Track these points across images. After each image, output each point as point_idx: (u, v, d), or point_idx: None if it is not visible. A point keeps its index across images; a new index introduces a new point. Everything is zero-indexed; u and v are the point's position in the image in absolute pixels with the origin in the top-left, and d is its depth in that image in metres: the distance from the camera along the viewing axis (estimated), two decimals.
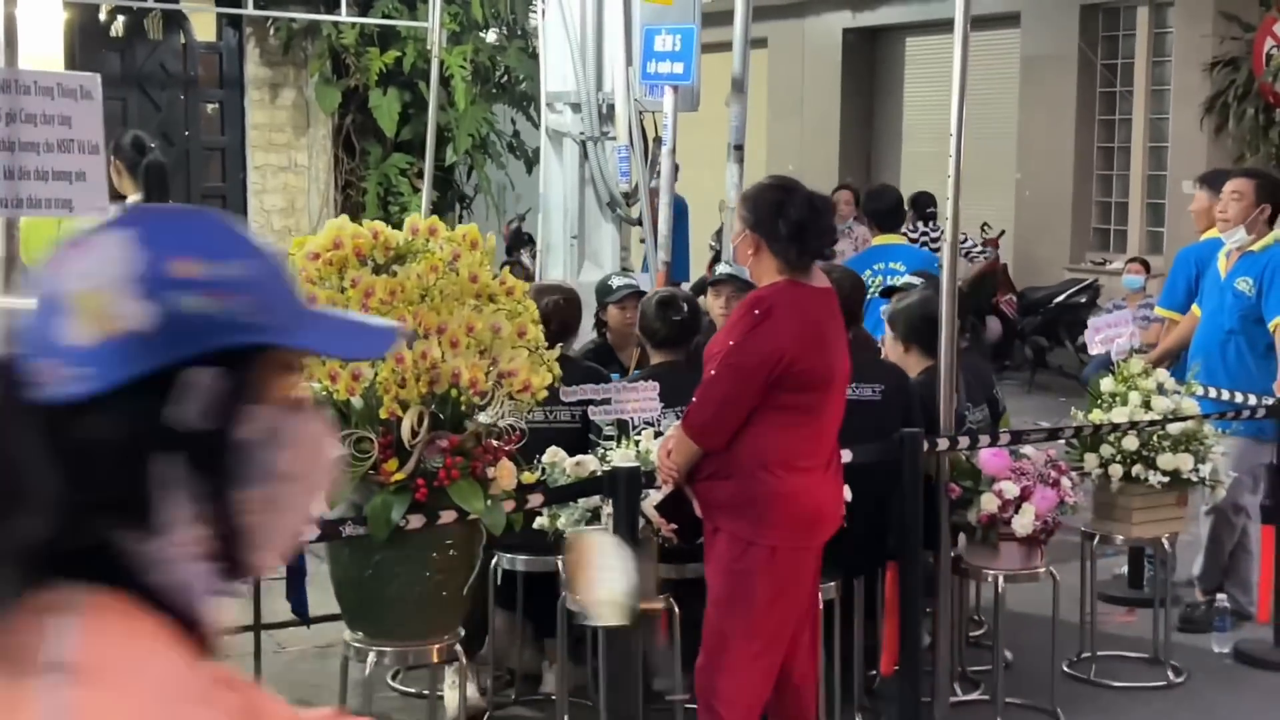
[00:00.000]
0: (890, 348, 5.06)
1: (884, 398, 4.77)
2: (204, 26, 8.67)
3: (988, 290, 12.05)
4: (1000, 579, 4.79)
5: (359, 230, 3.82)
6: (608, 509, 4.12)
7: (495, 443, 3.82)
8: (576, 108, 7.72)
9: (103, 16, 8.35)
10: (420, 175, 8.82)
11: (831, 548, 4.26)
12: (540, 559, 4.66)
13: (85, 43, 8.15)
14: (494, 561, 4.71)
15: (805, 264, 3.90)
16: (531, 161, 9.37)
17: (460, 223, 9.07)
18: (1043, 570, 4.82)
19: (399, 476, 3.66)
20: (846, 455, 4.36)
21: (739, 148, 7.58)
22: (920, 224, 10.48)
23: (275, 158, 8.77)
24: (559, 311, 4.97)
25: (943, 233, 4.78)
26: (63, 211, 3.53)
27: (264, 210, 8.77)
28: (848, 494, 4.39)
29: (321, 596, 4.93)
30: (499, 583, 4.79)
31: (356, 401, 3.74)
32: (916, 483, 4.53)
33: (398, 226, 3.93)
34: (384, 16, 8.44)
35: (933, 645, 4.75)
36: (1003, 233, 12.53)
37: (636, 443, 4.38)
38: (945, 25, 9.22)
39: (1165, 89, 12.17)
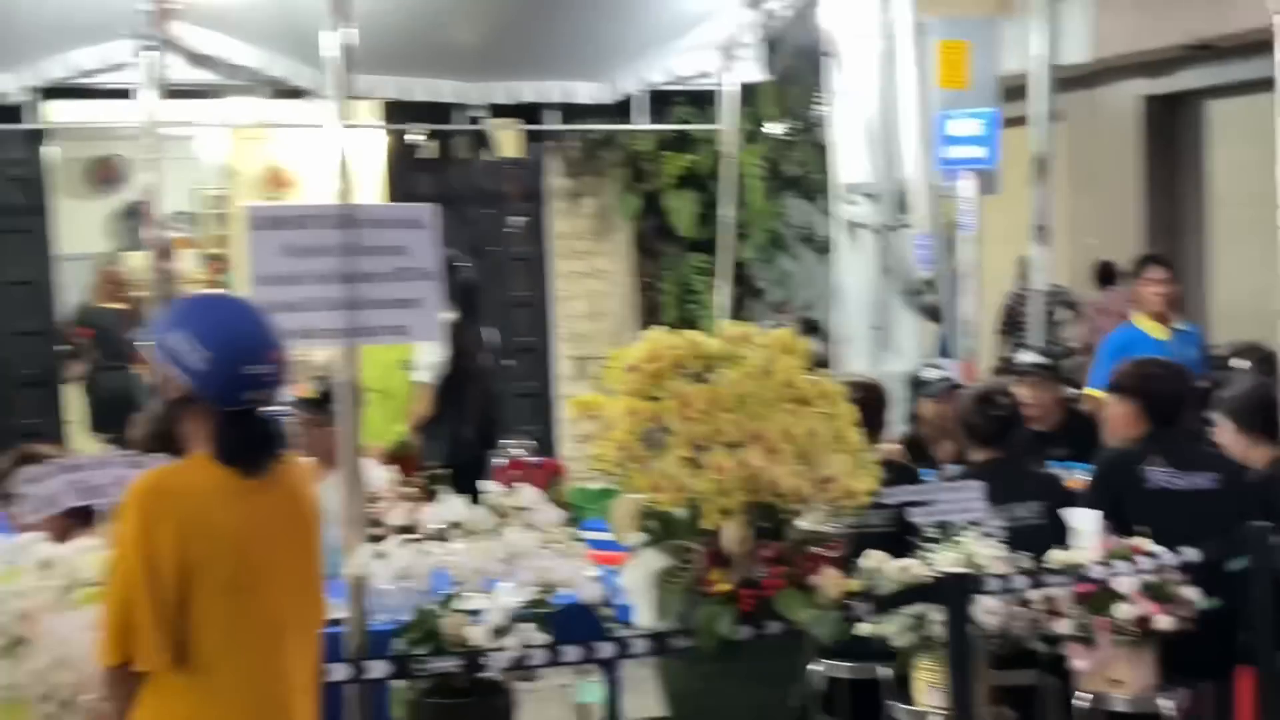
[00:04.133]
0: (1231, 440, 4.73)
1: (1221, 487, 4.49)
2: (509, 144, 9.02)
3: None
4: None
5: (675, 341, 3.84)
6: (936, 616, 3.99)
7: (817, 550, 3.76)
8: (872, 197, 7.68)
9: (415, 140, 8.81)
10: (716, 274, 8.89)
11: (1173, 650, 4.01)
12: (865, 665, 4.55)
13: (401, 167, 8.61)
14: (817, 668, 4.63)
15: None
16: (823, 250, 9.34)
17: (755, 317, 9.08)
18: None
19: (724, 587, 3.64)
20: (1190, 553, 4.12)
21: (1043, 228, 7.38)
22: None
23: (578, 265, 9.00)
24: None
25: None
26: (399, 338, 3.68)
27: (569, 316, 9.00)
28: (1194, 594, 4.14)
29: (646, 701, 4.94)
30: (823, 690, 4.70)
31: (679, 512, 3.74)
32: (1266, 581, 4.21)
33: (694, 324, 3.95)
34: (679, 122, 8.60)
35: None
36: None
37: (960, 545, 4.24)
38: (1254, 86, 8.78)
39: None
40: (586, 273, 9.06)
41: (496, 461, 7.38)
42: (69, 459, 3.44)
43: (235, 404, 2.73)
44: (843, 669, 4.64)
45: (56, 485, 3.36)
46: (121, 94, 7.40)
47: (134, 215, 13.86)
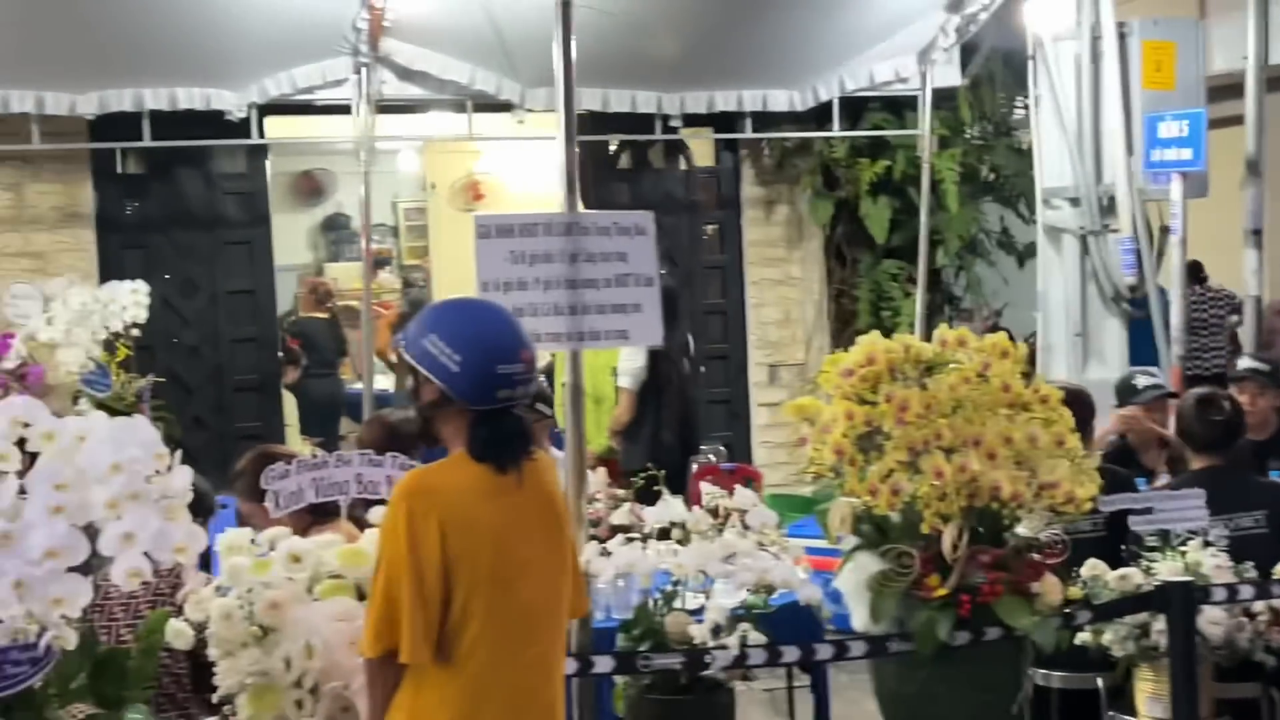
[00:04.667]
0: None
1: None
2: (702, 152, 9.11)
3: None
4: None
5: (890, 345, 3.85)
6: (1159, 625, 3.92)
7: (1037, 557, 3.73)
8: (1075, 202, 7.55)
9: (611, 150, 8.95)
10: (910, 280, 8.83)
11: None
12: (1079, 675, 4.48)
13: (598, 177, 8.75)
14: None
15: None
16: (1023, 257, 9.20)
17: (951, 325, 8.99)
18: None
19: (941, 592, 3.63)
20: None
21: (1257, 232, 7.15)
22: (1196, 286, 10.17)
23: (771, 272, 9.03)
24: None
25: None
26: (619, 342, 3.77)
27: (761, 323, 9.03)
28: None
29: (846, 709, 4.96)
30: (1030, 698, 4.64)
31: (894, 516, 3.75)
32: None
33: (889, 332, 3.96)
34: (874, 128, 8.57)
35: None
36: None
37: (1183, 554, 4.15)
38: None
39: None
40: (779, 280, 9.08)
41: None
42: (312, 457, 3.60)
43: (489, 403, 2.83)
44: (1055, 678, 4.57)
45: (301, 482, 3.52)
46: (331, 109, 7.71)
47: (334, 228, 14.42)
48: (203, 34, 6.76)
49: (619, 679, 3.69)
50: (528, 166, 12.06)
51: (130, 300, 6.87)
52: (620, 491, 4.67)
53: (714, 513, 3.89)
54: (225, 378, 8.20)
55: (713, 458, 8.20)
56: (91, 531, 2.97)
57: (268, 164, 8.37)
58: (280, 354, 8.80)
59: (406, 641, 2.76)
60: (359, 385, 10.83)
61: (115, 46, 6.73)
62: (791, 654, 3.59)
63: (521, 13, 6.96)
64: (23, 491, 2.97)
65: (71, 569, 2.91)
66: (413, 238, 14.37)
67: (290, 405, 9.31)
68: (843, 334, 9.08)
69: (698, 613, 3.74)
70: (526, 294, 3.66)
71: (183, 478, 3.04)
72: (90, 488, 2.96)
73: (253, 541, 3.39)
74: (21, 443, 3.10)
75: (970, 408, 3.76)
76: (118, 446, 2.99)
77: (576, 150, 3.68)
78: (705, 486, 4.01)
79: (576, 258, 3.67)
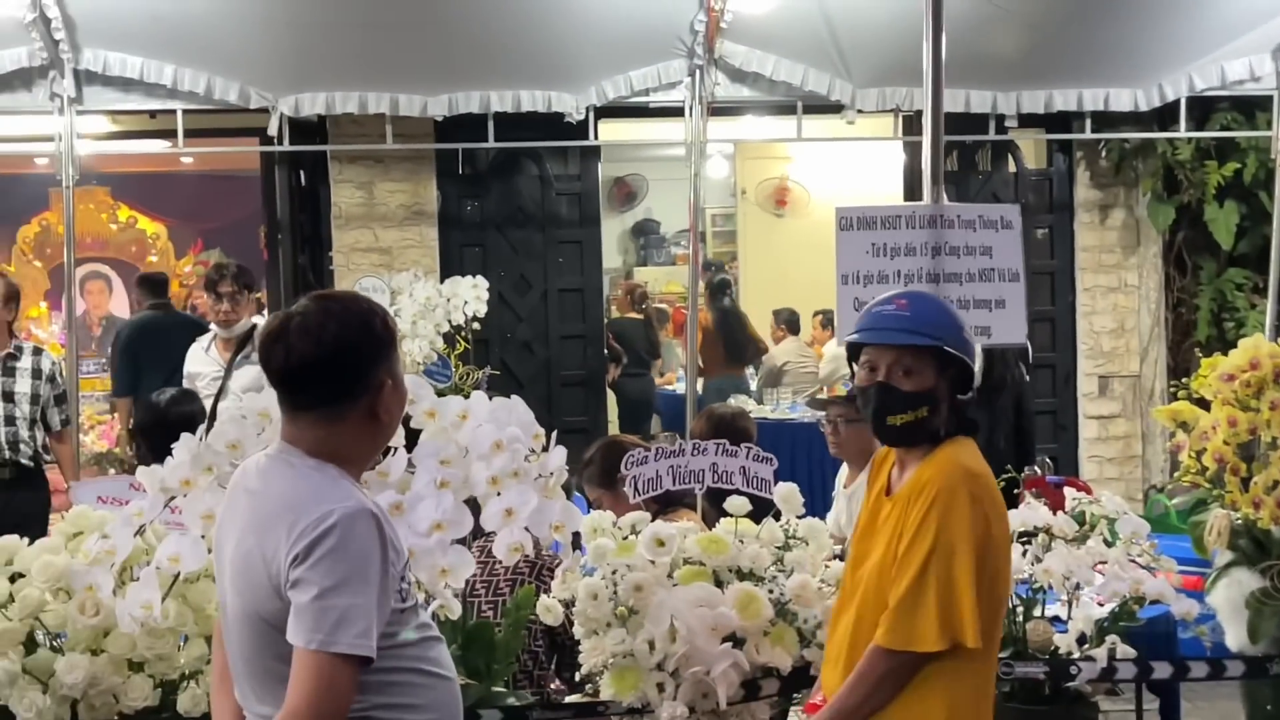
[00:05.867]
0: None
1: None
2: (1029, 153, 8.82)
3: None
4: None
5: (1275, 349, 3.63)
6: None
7: None
8: None
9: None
10: (1257, 290, 8.32)
11: None
12: None
13: (921, 179, 8.58)
14: None
15: None
16: None
17: None
18: None
19: None
20: None
21: None
22: None
23: (1104, 279, 8.67)
24: None
25: None
26: (981, 339, 3.67)
27: (1093, 332, 8.68)
28: None
29: None
30: None
31: (1277, 531, 3.53)
32: None
33: (1232, 344, 3.70)
34: (1222, 128, 8.13)
35: None
36: None
37: None
38: None
39: None
40: (1113, 287, 8.71)
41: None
42: (669, 445, 3.64)
43: None
44: None
45: (659, 469, 3.57)
46: (658, 113, 7.81)
47: (644, 232, 14.69)
48: (547, 37, 6.96)
49: None
50: (838, 172, 11.98)
51: (471, 295, 7.16)
52: None
53: (1079, 520, 3.74)
54: (554, 373, 8.43)
55: (1039, 470, 7.92)
56: (474, 506, 3.08)
57: (599, 167, 8.57)
58: (605, 352, 9.00)
59: (973, 627, 2.68)
60: (667, 386, 11.06)
61: (465, 50, 7.00)
62: (1164, 670, 3.41)
63: (858, 12, 6.90)
64: (411, 467, 3.11)
65: (456, 541, 3.03)
66: (718, 243, 14.48)
67: (611, 402, 9.51)
68: (1181, 345, 8.64)
69: (1055, 621, 3.60)
70: (886, 288, 3.60)
71: (559, 457, 3.12)
72: (472, 464, 3.07)
73: (615, 525, 3.46)
74: (405, 419, 3.25)
75: None
76: (499, 425, 3.09)
77: (943, 141, 3.59)
78: (1069, 492, 3.86)
79: (939, 251, 3.60)
